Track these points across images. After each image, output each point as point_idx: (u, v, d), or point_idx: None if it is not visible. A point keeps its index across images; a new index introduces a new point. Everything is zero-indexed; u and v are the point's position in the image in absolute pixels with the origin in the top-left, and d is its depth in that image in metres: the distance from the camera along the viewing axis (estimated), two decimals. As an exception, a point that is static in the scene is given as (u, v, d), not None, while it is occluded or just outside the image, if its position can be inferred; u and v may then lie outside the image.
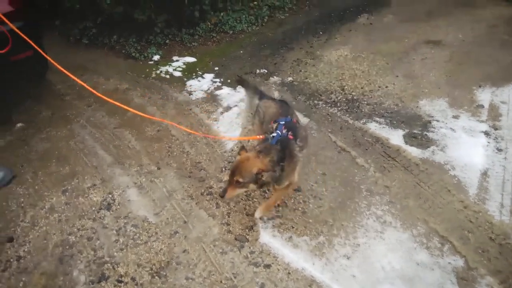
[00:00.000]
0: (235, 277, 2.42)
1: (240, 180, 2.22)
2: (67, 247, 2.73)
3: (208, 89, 4.61)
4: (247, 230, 2.73)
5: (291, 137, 2.44)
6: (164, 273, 2.49)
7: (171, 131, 3.92)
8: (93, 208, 3.04)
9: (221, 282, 2.40)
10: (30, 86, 4.72)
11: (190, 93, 4.58)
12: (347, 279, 2.38)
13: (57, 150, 3.73)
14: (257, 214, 2.71)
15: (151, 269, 2.53)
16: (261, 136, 2.63)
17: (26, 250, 2.73)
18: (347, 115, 3.91)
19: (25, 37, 3.09)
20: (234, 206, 2.92)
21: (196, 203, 3.01)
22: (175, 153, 3.62)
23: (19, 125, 4.12)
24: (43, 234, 2.85)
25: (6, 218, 3.01)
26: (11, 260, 2.66)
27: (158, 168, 3.44)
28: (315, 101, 4.17)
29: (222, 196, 2.27)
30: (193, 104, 4.36)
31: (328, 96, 4.24)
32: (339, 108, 4.03)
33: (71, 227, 2.88)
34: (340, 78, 4.59)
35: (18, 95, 4.51)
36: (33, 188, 3.29)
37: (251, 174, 2.21)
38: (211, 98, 4.44)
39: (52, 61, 3.23)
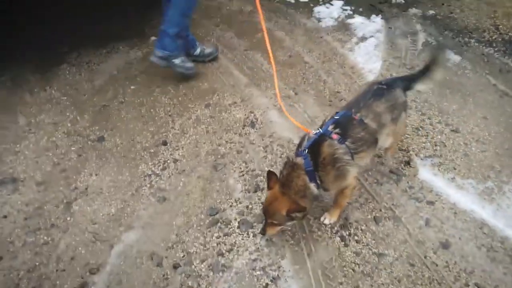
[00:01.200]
0: (395, 208, 2.35)
1: (275, 222, 1.98)
2: (219, 156, 2.83)
3: (339, 17, 4.33)
4: (402, 164, 2.61)
5: (334, 136, 1.96)
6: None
7: (304, 58, 3.78)
8: (237, 124, 3.08)
9: (380, 210, 2.35)
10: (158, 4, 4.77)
11: (319, 20, 4.33)
12: (522, 228, 2.21)
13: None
14: (326, 221, 2.27)
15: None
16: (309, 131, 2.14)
17: (180, 154, 2.88)
18: (506, 57, 3.46)
19: None
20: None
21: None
22: (311, 80, 3.51)
23: (152, 38, 4.22)
24: (194, 141, 2.97)
25: (157, 124, 3.18)
26: (168, 161, 2.83)
27: (296, 94, 3.37)
28: (466, 39, 3.74)
29: (262, 234, 2.08)
30: (324, 31, 4.13)
31: (480, 35, 3.77)
32: (496, 49, 3.57)
33: (219, 139, 2.97)
34: (492, 15, 4.03)
35: (149, 12, 4.59)
36: (177, 99, 3.41)
37: (282, 216, 1.93)
38: (343, 27, 4.17)
39: None
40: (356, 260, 2.11)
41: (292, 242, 2.24)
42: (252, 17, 4.48)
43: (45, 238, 2.41)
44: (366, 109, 2.08)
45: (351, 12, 4.35)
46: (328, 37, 4.03)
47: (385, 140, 2.27)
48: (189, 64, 3.51)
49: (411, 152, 2.66)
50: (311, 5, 4.60)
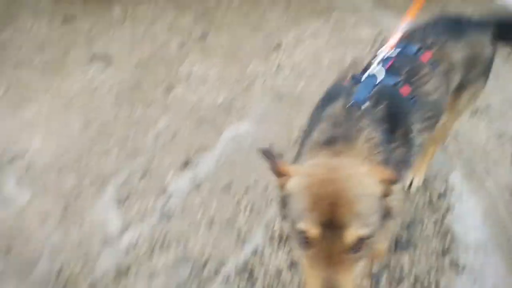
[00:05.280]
0: None
1: (362, 232, 0.75)
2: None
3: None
4: None
5: (405, 89, 1.04)
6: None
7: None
8: (363, 44, 2.60)
9: None
10: None
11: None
12: None
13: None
14: None
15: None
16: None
17: (297, 60, 2.47)
18: None
19: None
20: None
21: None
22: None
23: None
24: (313, 51, 2.54)
25: (266, 31, 2.77)
26: (283, 64, 2.41)
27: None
28: None
29: None
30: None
31: None
32: None
33: (343, 54, 2.50)
34: None
35: None
36: (289, 13, 2.99)
37: (375, 201, 0.80)
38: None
39: None
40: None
41: None
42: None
43: (142, 112, 2.04)
44: (439, 51, 1.15)
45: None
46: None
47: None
48: None
49: None
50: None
